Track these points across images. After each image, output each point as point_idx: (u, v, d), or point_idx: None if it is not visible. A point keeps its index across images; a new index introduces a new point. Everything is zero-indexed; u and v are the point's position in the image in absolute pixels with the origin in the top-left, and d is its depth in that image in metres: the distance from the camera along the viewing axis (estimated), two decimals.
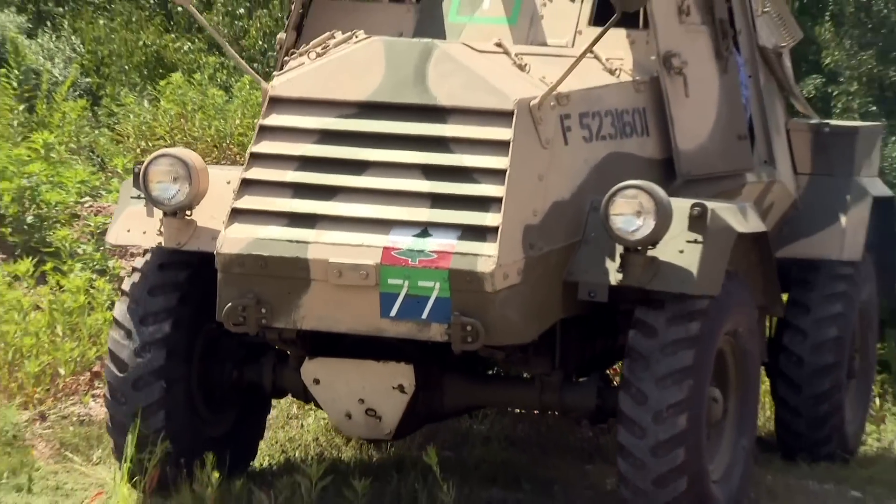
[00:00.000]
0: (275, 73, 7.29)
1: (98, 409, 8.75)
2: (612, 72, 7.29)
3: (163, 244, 7.03)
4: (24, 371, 8.96)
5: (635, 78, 7.36)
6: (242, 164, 6.95)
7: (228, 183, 6.94)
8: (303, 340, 6.93)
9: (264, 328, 6.74)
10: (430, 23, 7.76)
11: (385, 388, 6.92)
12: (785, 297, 9.09)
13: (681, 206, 6.65)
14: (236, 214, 6.70)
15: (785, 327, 8.96)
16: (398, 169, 6.63)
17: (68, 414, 8.71)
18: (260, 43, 16.36)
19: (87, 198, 11.67)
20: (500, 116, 6.61)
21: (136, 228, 7.12)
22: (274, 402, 8.32)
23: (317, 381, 7.01)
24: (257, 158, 6.80)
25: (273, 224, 6.64)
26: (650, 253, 6.62)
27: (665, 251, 6.63)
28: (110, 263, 10.52)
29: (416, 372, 6.91)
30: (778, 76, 8.97)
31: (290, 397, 7.97)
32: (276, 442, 8.58)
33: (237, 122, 13.27)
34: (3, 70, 14.31)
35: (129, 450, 7.00)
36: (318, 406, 7.44)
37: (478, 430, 8.89)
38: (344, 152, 6.72)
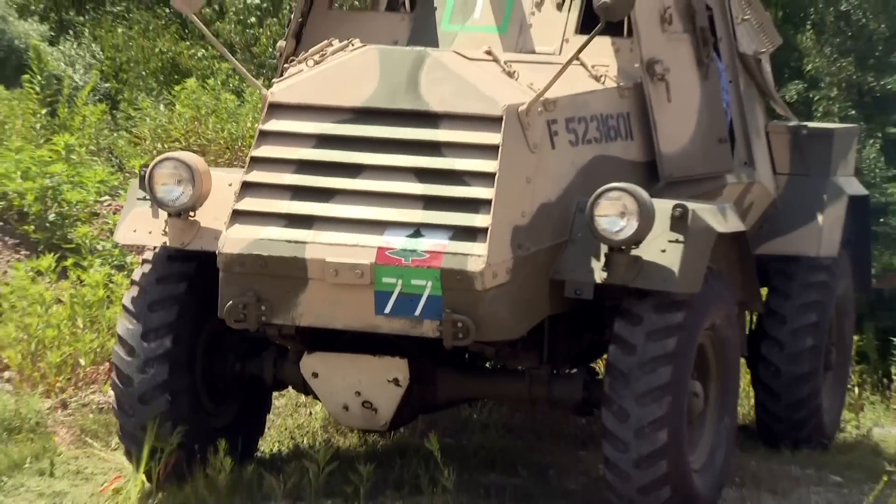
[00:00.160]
0: (274, 79, 7.17)
1: None
2: (597, 78, 7.19)
3: (167, 244, 6.95)
4: (47, 361, 8.94)
5: (620, 84, 7.27)
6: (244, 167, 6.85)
7: (230, 185, 6.85)
8: (301, 336, 6.83)
9: (264, 325, 6.65)
10: (423, 31, 7.66)
11: (380, 381, 6.83)
12: (765, 291, 9.04)
13: (663, 208, 6.56)
14: (237, 216, 6.61)
15: (765, 319, 8.86)
16: (392, 172, 6.53)
17: (88, 402, 8.67)
18: (270, 50, 16.28)
19: (107, 197, 11.64)
20: (489, 122, 6.51)
21: (142, 228, 7.04)
22: (283, 391, 8.25)
23: (315, 375, 6.92)
24: (257, 162, 6.71)
25: (272, 225, 6.54)
26: (634, 252, 6.53)
27: (648, 251, 6.54)
28: (128, 259, 10.50)
29: (411, 366, 6.82)
30: (758, 81, 8.89)
31: None
32: (285, 429, 8.55)
33: (248, 125, 13.21)
34: (27, 76, 14.29)
35: (149, 436, 6.92)
36: (316, 398, 7.35)
37: (476, 419, 8.83)
38: (340, 156, 6.61)
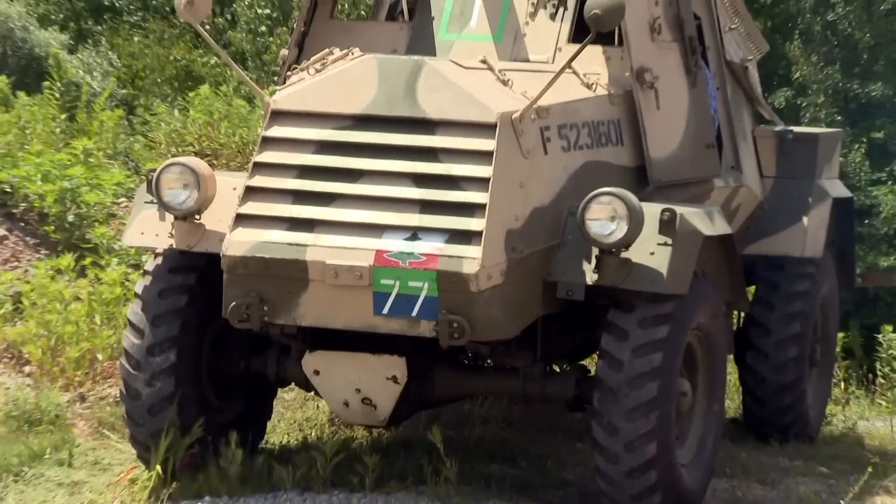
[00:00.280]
0: (277, 87, 7.08)
1: None
2: (589, 86, 7.11)
3: (174, 246, 6.88)
4: (66, 356, 8.89)
5: (610, 91, 7.19)
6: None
7: (234, 189, 6.77)
8: (303, 335, 6.76)
9: (267, 325, 6.58)
10: (421, 40, 7.57)
11: (379, 378, 6.75)
12: (752, 290, 8.97)
13: (652, 212, 6.49)
14: (241, 219, 6.54)
15: (752, 318, 8.77)
16: (390, 177, 6.46)
17: (105, 395, 8.62)
18: None
19: (123, 199, 11.60)
20: (484, 128, 6.43)
21: (150, 231, 6.97)
22: (289, 386, 8.11)
23: (316, 373, 6.85)
24: (260, 167, 6.63)
25: (274, 228, 6.47)
26: (623, 255, 6.46)
27: (637, 253, 6.46)
28: (143, 258, 10.36)
29: (409, 364, 6.74)
30: (745, 87, 8.80)
31: None
32: (294, 422, 8.50)
33: (259, 130, 13.06)
34: (47, 83, 14.21)
35: (164, 439, 6.87)
36: (318, 395, 7.27)
37: (477, 412, 8.75)
38: (340, 162, 6.53)
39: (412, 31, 7.62)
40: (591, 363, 8.01)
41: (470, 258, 6.22)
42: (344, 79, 6.68)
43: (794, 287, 8.77)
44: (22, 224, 10.75)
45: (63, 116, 13.56)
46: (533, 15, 7.45)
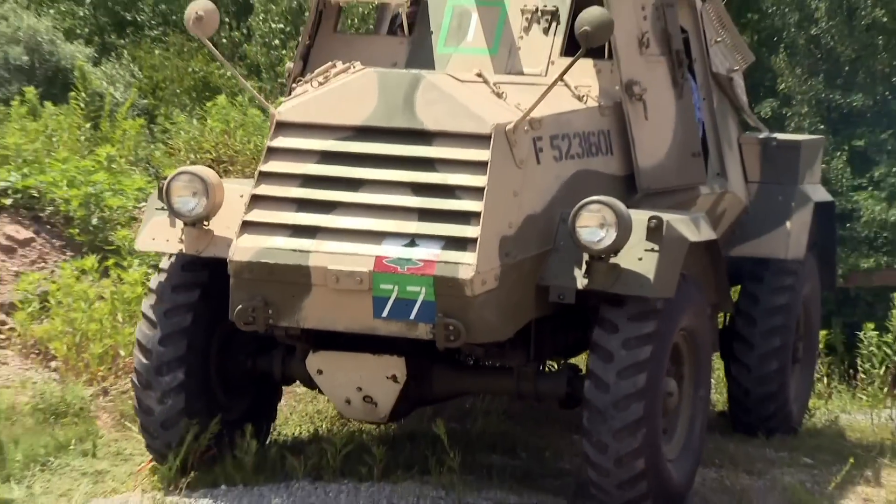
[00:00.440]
0: (282, 98, 6.95)
1: None
2: (580, 98, 7.00)
3: (184, 251, 6.77)
4: (90, 352, 8.84)
5: (601, 103, 7.09)
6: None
7: (241, 196, 6.67)
8: (306, 336, 6.66)
9: (271, 327, 6.50)
10: (420, 53, 7.46)
11: (380, 377, 6.65)
12: (738, 289, 8.91)
13: (639, 219, 6.40)
14: (246, 226, 6.45)
15: (738, 315, 8.67)
16: (389, 186, 6.36)
17: (127, 389, 8.48)
18: None
19: (144, 203, 11.41)
20: (479, 139, 6.33)
21: (161, 236, 6.87)
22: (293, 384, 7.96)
23: (320, 372, 6.75)
24: (265, 176, 6.54)
25: (279, 235, 6.38)
26: (613, 260, 6.37)
27: (626, 259, 6.37)
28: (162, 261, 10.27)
29: (408, 363, 6.64)
30: (730, 97, 8.66)
31: None
32: (306, 414, 8.44)
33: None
34: (73, 93, 14.15)
35: (186, 440, 6.82)
36: (321, 392, 7.17)
37: (479, 406, 8.67)
38: (342, 171, 6.43)
39: (412, 45, 7.50)
40: (579, 361, 7.90)
41: (465, 264, 6.14)
42: (345, 91, 6.57)
43: (777, 287, 8.66)
44: (48, 227, 10.63)
45: (87, 125, 13.54)
46: (527, 29, 7.34)
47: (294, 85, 7.26)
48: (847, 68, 24.17)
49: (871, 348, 9.81)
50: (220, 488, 6.77)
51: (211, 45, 6.94)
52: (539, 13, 7.33)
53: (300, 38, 7.59)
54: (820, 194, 9.23)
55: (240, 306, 6.41)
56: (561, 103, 6.81)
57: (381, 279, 6.19)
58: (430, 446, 7.18)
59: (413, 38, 7.53)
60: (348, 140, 6.44)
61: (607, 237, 6.27)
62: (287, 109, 6.63)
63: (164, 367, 6.77)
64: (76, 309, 9.07)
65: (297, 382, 7.28)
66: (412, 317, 6.21)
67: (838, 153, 23.21)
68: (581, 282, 6.39)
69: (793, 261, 8.71)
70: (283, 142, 6.54)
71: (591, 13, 6.22)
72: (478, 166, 6.27)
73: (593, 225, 6.29)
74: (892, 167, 23.34)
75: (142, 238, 6.95)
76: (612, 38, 6.78)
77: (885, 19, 24.11)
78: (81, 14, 20.56)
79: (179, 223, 6.74)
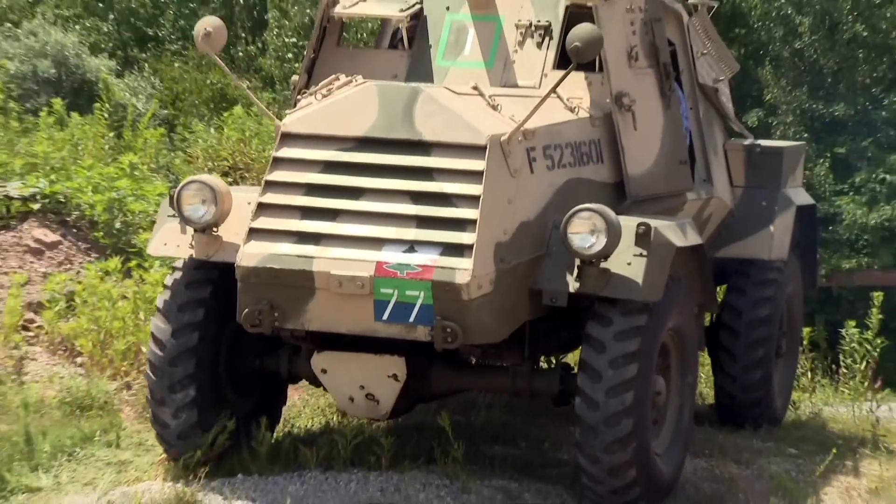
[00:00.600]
0: (287, 111, 6.84)
1: None
2: (572, 109, 6.89)
3: (194, 256, 6.66)
4: (114, 349, 8.81)
5: (591, 114, 6.98)
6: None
7: (249, 204, 6.54)
8: (311, 337, 6.54)
9: (277, 329, 6.38)
10: (420, 66, 7.33)
11: (381, 376, 6.54)
12: (724, 288, 8.81)
13: (628, 225, 6.29)
14: (253, 233, 6.34)
15: (724, 312, 8.56)
16: (389, 195, 6.24)
17: None
18: None
19: None
20: (475, 150, 6.21)
21: (172, 242, 6.77)
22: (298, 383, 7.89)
23: (324, 371, 6.64)
24: (271, 185, 6.42)
25: (284, 241, 6.27)
26: (603, 265, 6.27)
27: (615, 263, 6.27)
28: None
29: (408, 363, 6.54)
30: (716, 106, 8.52)
31: None
32: (318, 408, 8.35)
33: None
34: (97, 104, 14.08)
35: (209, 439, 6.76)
36: (325, 391, 7.08)
37: (482, 399, 8.57)
38: (344, 180, 6.32)
39: (411, 59, 7.38)
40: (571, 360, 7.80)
41: (462, 269, 6.04)
42: (347, 104, 6.45)
43: (761, 287, 8.55)
44: (74, 230, 10.59)
45: (111, 134, 13.50)
46: (521, 44, 7.23)
47: (299, 97, 7.12)
48: (829, 80, 24.19)
49: (852, 345, 9.73)
50: (237, 477, 6.71)
51: (219, 59, 6.79)
52: (533, 28, 7.22)
53: (305, 52, 7.47)
54: (802, 197, 9.12)
55: (247, 309, 6.30)
56: (553, 114, 6.70)
57: (382, 284, 6.08)
58: (436, 437, 7.14)
59: (413, 52, 7.40)
60: (350, 150, 6.33)
61: (598, 243, 6.17)
62: (292, 121, 6.51)
63: (175, 358, 6.68)
64: (101, 308, 9.05)
65: (293, 384, 7.19)
66: (411, 320, 6.11)
67: (821, 160, 23.21)
68: (573, 285, 6.28)
69: (776, 261, 8.60)
70: (288, 152, 6.43)
71: (582, 29, 6.12)
72: (474, 176, 6.16)
73: (584, 231, 6.19)
74: (872, 173, 23.35)
75: (154, 244, 6.86)
76: (602, 51, 6.71)
77: (865, 33, 24.13)
78: (106, 29, 20.54)
79: (190, 229, 6.63)
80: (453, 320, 6.04)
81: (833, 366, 10.78)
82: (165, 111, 16.68)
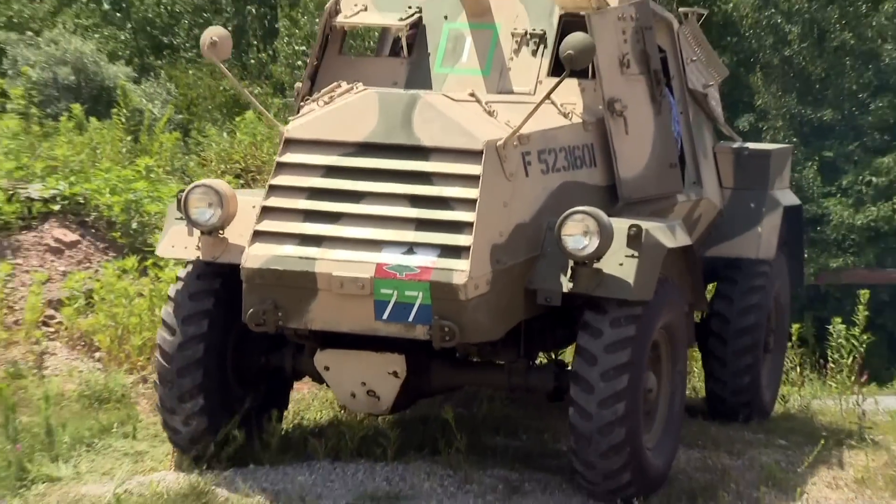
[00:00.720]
0: (290, 117, 6.75)
1: None
2: (565, 115, 6.79)
3: (201, 257, 6.58)
4: (130, 344, 8.81)
5: (585, 119, 6.86)
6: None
7: (254, 207, 6.44)
8: (314, 335, 6.45)
9: (281, 328, 6.29)
10: (419, 74, 7.23)
11: (382, 373, 6.45)
12: (714, 285, 8.69)
13: (620, 227, 6.19)
14: (257, 235, 6.25)
15: (714, 311, 8.45)
16: (389, 198, 6.15)
17: None
18: None
19: None
20: (471, 155, 6.11)
21: (180, 244, 6.67)
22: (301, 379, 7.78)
23: (327, 368, 6.54)
24: (275, 189, 6.32)
25: (287, 244, 6.18)
26: (595, 266, 6.17)
27: (607, 264, 6.17)
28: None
29: (408, 360, 6.44)
30: (705, 110, 8.40)
31: None
32: (326, 400, 8.26)
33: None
34: (115, 110, 14.04)
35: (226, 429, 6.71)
36: (328, 387, 6.98)
37: (484, 392, 8.50)
38: (345, 184, 6.22)
39: (411, 66, 7.28)
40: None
41: (459, 270, 5.95)
42: (348, 110, 6.35)
43: (750, 284, 8.43)
44: (93, 230, 10.57)
45: (128, 138, 13.44)
46: (517, 51, 7.13)
47: (302, 103, 7.03)
48: (818, 86, 24.19)
49: (839, 340, 9.62)
50: (249, 467, 6.67)
51: (224, 67, 6.69)
52: (528, 36, 7.12)
53: (308, 60, 7.36)
54: (789, 198, 8.99)
55: (252, 309, 6.22)
56: (548, 120, 6.60)
57: (382, 284, 5.98)
58: (440, 429, 7.09)
59: (412, 60, 7.30)
60: (351, 155, 6.23)
61: (590, 244, 6.07)
62: (295, 127, 6.41)
63: (183, 369, 6.60)
64: (118, 305, 9.03)
65: (297, 380, 7.12)
66: (410, 319, 6.01)
67: (809, 163, 23.20)
68: (566, 285, 6.19)
69: (764, 260, 8.48)
70: (291, 157, 6.33)
71: (575, 38, 6.03)
72: (470, 180, 6.06)
73: (577, 233, 6.09)
74: (858, 176, 23.35)
75: (162, 245, 6.77)
76: (594, 59, 6.61)
77: (852, 42, 24.13)
78: (123, 38, 20.50)
79: (197, 232, 6.55)
80: (451, 319, 5.95)
81: (821, 361, 10.70)
82: (180, 116, 16.63)
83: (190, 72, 17.10)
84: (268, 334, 6.60)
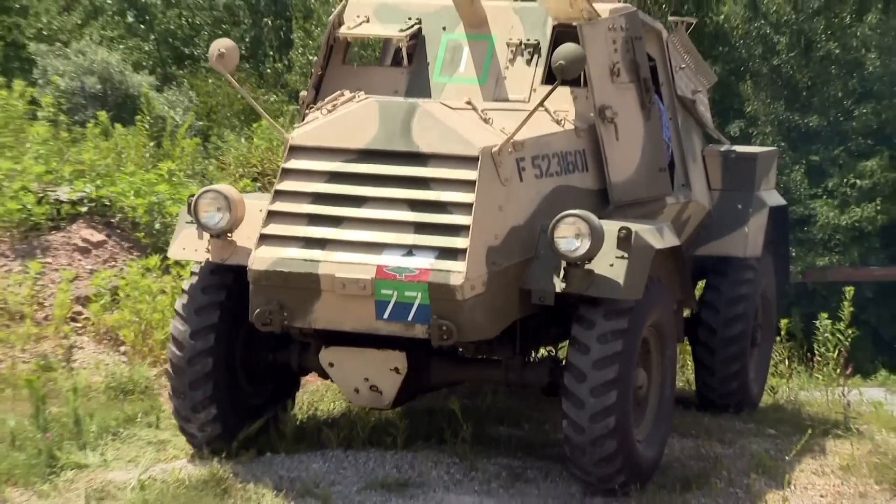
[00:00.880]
0: (295, 124, 6.61)
1: None
2: (558, 122, 6.64)
3: (210, 259, 6.47)
4: (154, 338, 8.80)
5: (577, 126, 6.72)
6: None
7: (261, 211, 6.31)
8: (319, 334, 6.33)
9: (287, 327, 6.17)
10: (419, 83, 7.10)
11: (384, 369, 6.32)
12: (703, 283, 8.55)
13: (611, 229, 6.05)
14: (264, 238, 6.12)
15: (702, 306, 8.31)
16: (389, 203, 6.01)
17: None
18: None
19: None
20: (468, 161, 5.98)
21: (190, 247, 6.56)
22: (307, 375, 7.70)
23: (331, 365, 6.41)
24: (280, 195, 6.19)
25: (292, 246, 6.05)
26: (587, 267, 6.03)
27: (599, 265, 6.04)
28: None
29: (408, 357, 6.32)
30: (694, 116, 8.24)
31: None
32: (339, 392, 8.10)
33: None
34: (139, 116, 13.97)
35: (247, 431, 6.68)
36: (333, 382, 6.85)
37: (488, 385, 8.32)
38: (347, 189, 6.09)
39: (411, 75, 7.15)
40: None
41: (456, 272, 5.82)
42: (350, 118, 6.21)
43: (737, 281, 8.29)
44: (118, 231, 10.54)
45: (151, 144, 13.38)
46: (512, 61, 7.00)
47: (307, 111, 6.90)
48: (804, 94, 24.15)
49: (825, 335, 9.55)
50: (266, 456, 6.62)
51: (231, 78, 6.57)
52: (523, 46, 6.99)
53: (313, 70, 7.24)
54: (774, 199, 8.83)
55: (258, 309, 6.09)
56: (541, 126, 6.46)
57: (382, 285, 5.86)
58: (446, 420, 7.03)
59: (412, 69, 7.17)
60: (353, 162, 6.09)
61: (582, 246, 5.94)
62: (299, 135, 6.28)
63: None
64: (142, 301, 9.01)
65: (303, 376, 7.03)
66: (410, 318, 5.89)
67: (797, 166, 23.15)
68: (559, 286, 6.05)
69: (751, 258, 8.33)
70: (295, 164, 6.20)
71: (566, 49, 5.89)
72: (467, 185, 5.93)
73: (570, 235, 5.96)
74: (843, 179, 23.28)
75: (174, 248, 6.65)
76: (586, 68, 6.48)
77: (837, 51, 24.07)
78: (147, 49, 20.44)
79: (206, 235, 6.43)
80: (448, 319, 5.82)
81: (808, 354, 10.62)
82: (200, 122, 16.55)
83: (210, 80, 17.01)
84: (275, 333, 6.45)
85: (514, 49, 7.00)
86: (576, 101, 6.82)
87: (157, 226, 10.46)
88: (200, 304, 6.49)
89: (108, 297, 9.30)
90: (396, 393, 6.37)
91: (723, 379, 8.26)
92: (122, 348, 8.94)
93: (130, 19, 21.12)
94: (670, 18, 8.25)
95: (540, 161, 6.32)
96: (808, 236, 22.59)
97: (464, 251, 5.82)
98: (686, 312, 8.22)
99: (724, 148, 8.73)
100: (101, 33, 21.00)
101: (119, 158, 12.33)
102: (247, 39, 18.11)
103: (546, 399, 8.03)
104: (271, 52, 17.97)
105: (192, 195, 6.50)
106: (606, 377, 5.98)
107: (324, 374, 6.71)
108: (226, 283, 6.54)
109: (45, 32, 20.83)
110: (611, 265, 6.01)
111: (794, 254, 21.05)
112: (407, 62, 7.22)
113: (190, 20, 19.70)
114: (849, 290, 9.47)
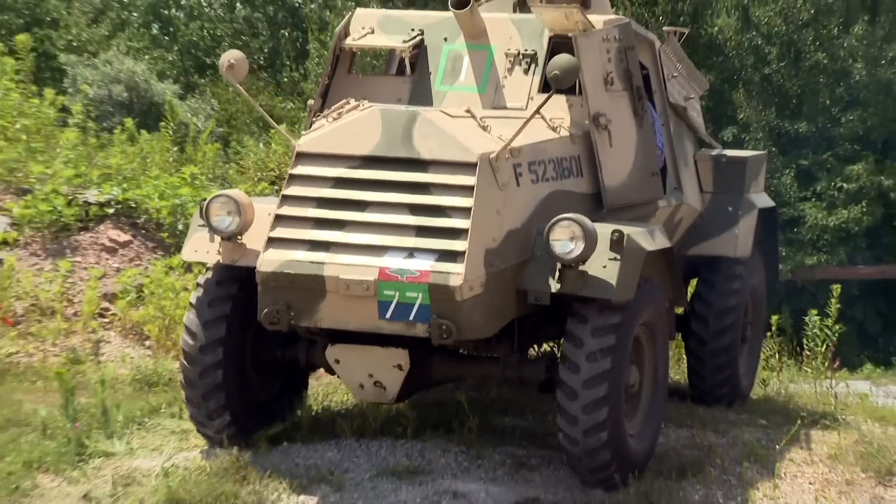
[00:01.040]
0: (303, 131, 6.50)
1: None
2: (554, 129, 6.51)
3: (221, 261, 6.37)
4: (177, 333, 8.76)
5: (572, 133, 6.58)
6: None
7: (269, 214, 6.19)
8: (324, 332, 6.21)
9: (293, 326, 6.05)
10: (421, 91, 6.98)
11: (388, 366, 6.20)
12: (695, 282, 8.42)
13: (604, 232, 5.92)
14: (271, 241, 6.01)
15: (695, 304, 8.18)
16: (391, 207, 5.89)
17: None
18: None
19: None
20: (466, 167, 5.85)
21: (202, 249, 6.45)
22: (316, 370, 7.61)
23: (337, 361, 6.29)
24: (287, 199, 6.07)
25: (299, 249, 5.93)
26: (581, 268, 5.90)
27: (592, 267, 5.91)
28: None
29: (411, 354, 6.19)
30: (686, 122, 8.10)
31: None
32: None
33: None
34: (163, 123, 13.95)
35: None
36: (339, 378, 6.71)
37: None
38: (351, 194, 5.97)
39: (413, 84, 7.02)
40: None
41: (455, 273, 5.70)
42: (355, 126, 6.09)
43: (727, 281, 8.15)
44: (143, 232, 10.51)
45: (175, 149, 13.37)
46: (510, 70, 6.87)
47: (314, 119, 6.80)
48: (794, 101, 24.09)
49: (814, 330, 9.47)
50: (283, 445, 6.59)
51: (240, 87, 6.45)
52: (520, 56, 6.85)
53: (320, 79, 7.12)
54: (763, 201, 8.69)
55: (266, 309, 5.98)
56: (538, 133, 6.33)
57: (385, 286, 5.74)
58: (454, 411, 7.02)
59: (415, 78, 7.04)
60: (357, 168, 5.97)
61: (576, 248, 5.81)
62: (306, 142, 6.15)
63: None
64: (165, 298, 9.00)
65: (311, 372, 6.93)
66: (411, 318, 5.77)
67: (787, 170, 23.08)
68: (554, 286, 5.93)
69: (741, 258, 8.20)
70: (302, 170, 6.07)
71: (561, 59, 5.77)
72: (466, 190, 5.81)
73: (564, 238, 5.83)
74: (831, 182, 23.20)
75: (186, 250, 6.54)
76: (580, 77, 6.35)
77: (825, 61, 23.97)
78: (171, 59, 20.43)
79: (217, 238, 6.32)
80: (448, 318, 5.70)
81: (798, 349, 10.54)
82: (221, 129, 16.48)
83: (230, 89, 16.95)
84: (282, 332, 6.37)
85: (512, 59, 6.87)
86: (571, 108, 6.69)
87: (179, 227, 10.40)
88: (214, 296, 6.39)
89: (134, 294, 9.28)
90: (399, 388, 6.25)
91: (713, 369, 8.12)
92: (147, 342, 8.93)
93: (155, 31, 21.14)
94: (664, 28, 8.09)
95: (536, 167, 6.20)
96: (797, 237, 22.48)
97: (463, 254, 5.71)
98: (678, 310, 8.10)
99: (715, 152, 8.59)
100: (127, 44, 20.99)
101: (144, 163, 12.31)
102: (265, 50, 18.08)
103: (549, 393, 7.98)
104: (288, 62, 17.90)
105: (204, 199, 6.40)
106: (599, 369, 5.86)
107: (330, 371, 6.59)
108: (237, 278, 6.42)
109: (74, 44, 20.82)
110: (604, 266, 5.87)
111: (783, 253, 20.99)
112: (410, 71, 7.10)
113: (211, 32, 19.65)
114: (836, 288, 9.35)
